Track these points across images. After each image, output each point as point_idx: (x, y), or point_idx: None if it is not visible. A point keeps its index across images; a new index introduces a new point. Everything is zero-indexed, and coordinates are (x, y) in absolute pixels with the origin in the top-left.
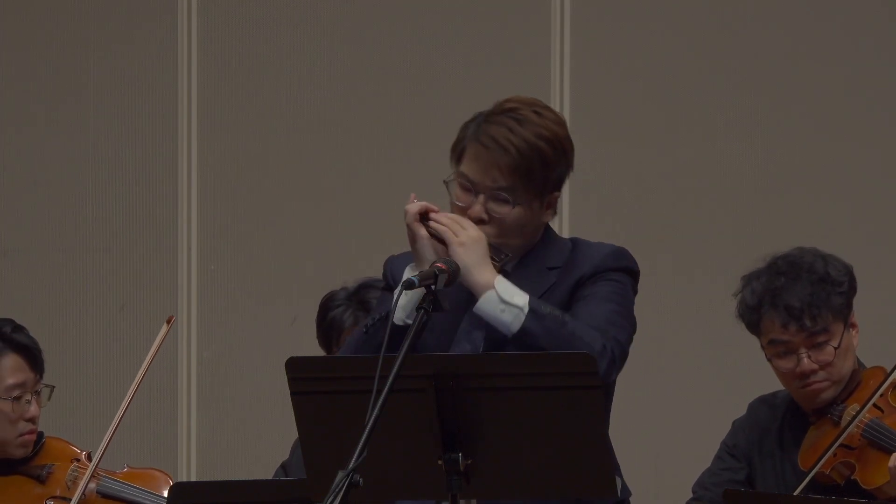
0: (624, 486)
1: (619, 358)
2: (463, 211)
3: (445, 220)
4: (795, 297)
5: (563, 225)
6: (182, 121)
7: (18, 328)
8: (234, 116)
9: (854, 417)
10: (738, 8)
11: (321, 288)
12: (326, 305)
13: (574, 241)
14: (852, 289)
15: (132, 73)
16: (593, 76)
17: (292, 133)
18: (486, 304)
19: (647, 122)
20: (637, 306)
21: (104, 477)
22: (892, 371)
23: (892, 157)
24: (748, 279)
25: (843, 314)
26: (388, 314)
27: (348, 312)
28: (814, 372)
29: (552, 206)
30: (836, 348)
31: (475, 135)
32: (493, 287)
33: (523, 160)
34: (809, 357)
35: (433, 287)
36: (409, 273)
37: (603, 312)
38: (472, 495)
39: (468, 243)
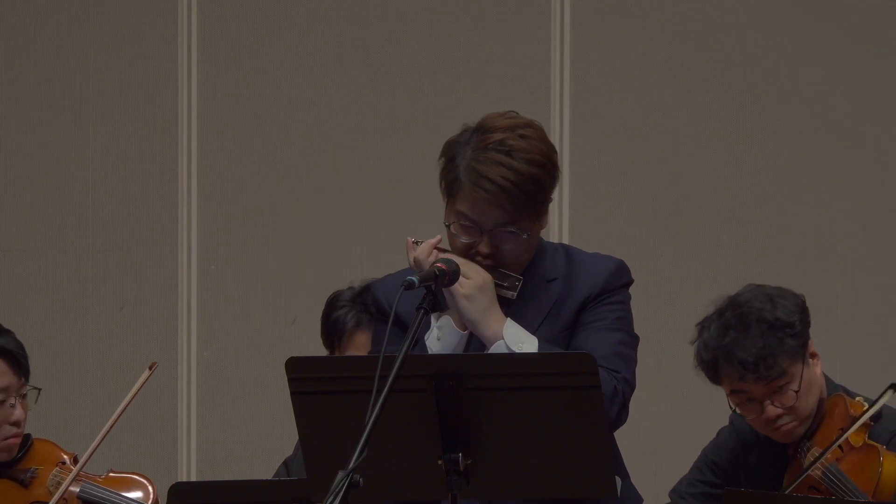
0: (636, 493)
1: (628, 399)
2: (469, 248)
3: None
4: (748, 350)
5: (563, 227)
6: (182, 121)
7: (3, 332)
8: (234, 116)
9: (809, 466)
10: (738, 9)
11: (321, 288)
12: (332, 305)
13: (566, 249)
14: (805, 324)
15: (132, 73)
16: (593, 76)
17: (292, 133)
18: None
19: (648, 122)
20: (635, 307)
21: (85, 482)
22: (844, 432)
23: (892, 157)
24: (700, 329)
25: (800, 354)
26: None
27: (351, 314)
28: (779, 416)
29: (546, 213)
30: (796, 391)
31: (467, 174)
32: (502, 338)
33: (522, 193)
34: (773, 403)
35: (433, 287)
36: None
37: (611, 345)
38: (472, 495)
39: (473, 295)
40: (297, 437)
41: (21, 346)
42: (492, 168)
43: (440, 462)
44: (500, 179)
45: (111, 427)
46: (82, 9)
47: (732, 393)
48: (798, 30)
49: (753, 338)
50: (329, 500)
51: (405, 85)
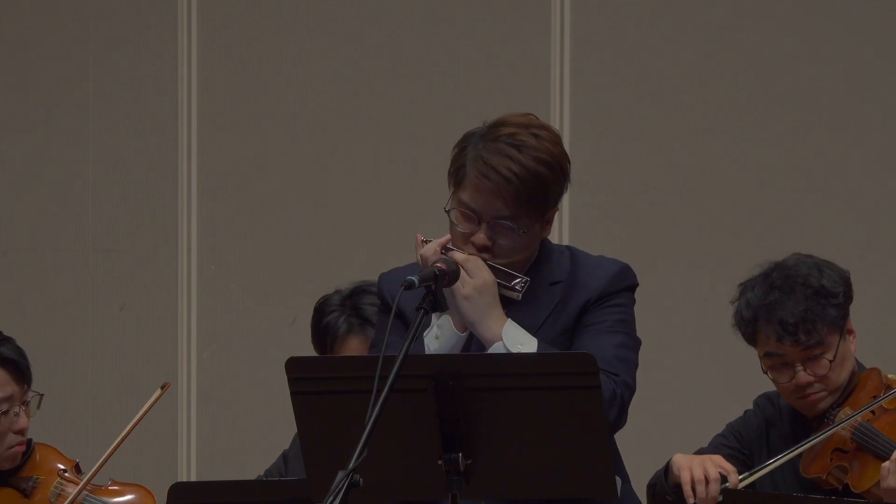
0: (636, 498)
1: (627, 402)
2: (466, 237)
3: (458, 259)
4: (789, 311)
5: (562, 227)
6: (182, 121)
7: (4, 340)
8: (234, 116)
9: (842, 421)
10: (738, 8)
11: (321, 288)
12: (321, 310)
13: (571, 252)
14: (848, 298)
15: (132, 73)
16: (593, 76)
17: (292, 133)
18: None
19: (648, 122)
20: (637, 308)
21: (88, 496)
22: (889, 392)
23: (892, 157)
24: (744, 289)
25: (839, 325)
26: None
27: (342, 318)
28: (810, 384)
29: (550, 222)
30: (831, 361)
31: (474, 163)
32: (501, 339)
33: (525, 188)
34: (805, 370)
35: (433, 287)
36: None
37: (610, 347)
38: (472, 495)
39: (472, 296)
40: (297, 437)
41: (22, 354)
42: (498, 159)
43: (440, 462)
44: (505, 171)
45: (118, 446)
46: (82, 9)
47: (766, 356)
48: (798, 30)
49: (797, 300)
50: (329, 500)
51: (405, 85)
